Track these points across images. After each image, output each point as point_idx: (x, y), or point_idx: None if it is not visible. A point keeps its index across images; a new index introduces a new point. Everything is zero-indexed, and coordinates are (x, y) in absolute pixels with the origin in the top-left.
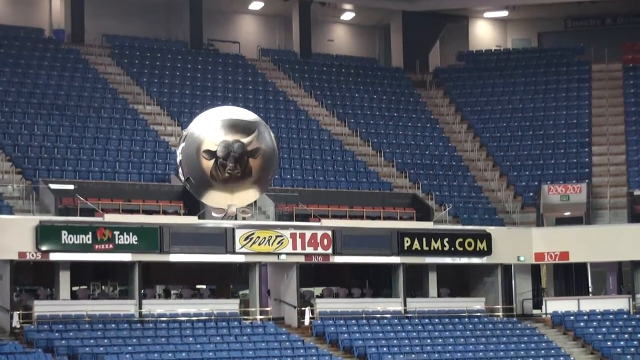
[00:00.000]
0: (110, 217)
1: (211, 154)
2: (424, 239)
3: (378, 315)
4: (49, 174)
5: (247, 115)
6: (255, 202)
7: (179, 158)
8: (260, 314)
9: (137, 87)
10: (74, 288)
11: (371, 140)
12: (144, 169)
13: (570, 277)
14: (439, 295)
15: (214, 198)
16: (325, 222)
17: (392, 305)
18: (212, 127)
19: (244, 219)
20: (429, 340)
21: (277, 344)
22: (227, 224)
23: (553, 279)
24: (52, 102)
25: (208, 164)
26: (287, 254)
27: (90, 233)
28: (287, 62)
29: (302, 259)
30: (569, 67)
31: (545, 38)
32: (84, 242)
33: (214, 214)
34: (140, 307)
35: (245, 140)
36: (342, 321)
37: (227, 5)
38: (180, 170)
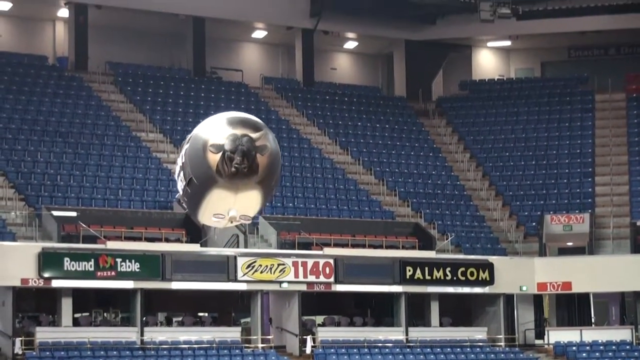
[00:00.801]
0: (112, 245)
1: (219, 147)
2: (426, 268)
3: (380, 345)
4: (51, 200)
5: (253, 117)
6: (257, 229)
7: (180, 162)
8: (262, 342)
9: (140, 114)
10: (76, 315)
11: (374, 169)
12: (147, 196)
13: (573, 308)
14: (441, 325)
15: (216, 198)
16: (328, 251)
17: (394, 334)
18: (219, 124)
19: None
20: None
21: None
22: (229, 251)
23: (555, 309)
24: (55, 129)
25: (215, 158)
26: (289, 282)
27: (92, 260)
28: (290, 90)
29: (304, 288)
30: (572, 97)
31: (549, 68)
32: (86, 269)
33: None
34: (142, 335)
35: (253, 135)
36: (343, 350)
37: (231, 34)
38: (181, 176)
